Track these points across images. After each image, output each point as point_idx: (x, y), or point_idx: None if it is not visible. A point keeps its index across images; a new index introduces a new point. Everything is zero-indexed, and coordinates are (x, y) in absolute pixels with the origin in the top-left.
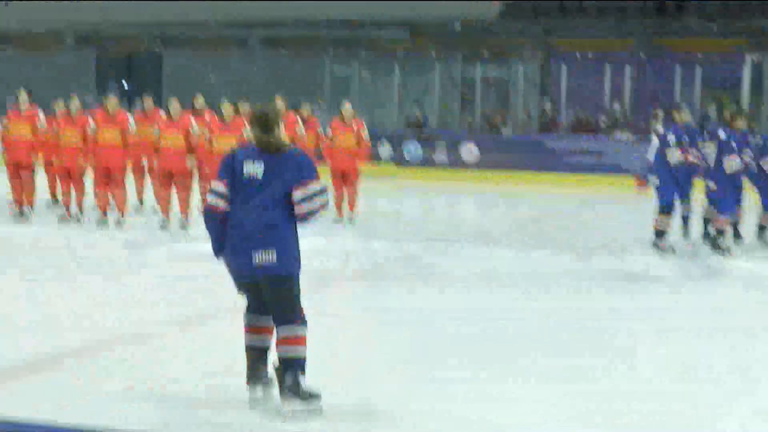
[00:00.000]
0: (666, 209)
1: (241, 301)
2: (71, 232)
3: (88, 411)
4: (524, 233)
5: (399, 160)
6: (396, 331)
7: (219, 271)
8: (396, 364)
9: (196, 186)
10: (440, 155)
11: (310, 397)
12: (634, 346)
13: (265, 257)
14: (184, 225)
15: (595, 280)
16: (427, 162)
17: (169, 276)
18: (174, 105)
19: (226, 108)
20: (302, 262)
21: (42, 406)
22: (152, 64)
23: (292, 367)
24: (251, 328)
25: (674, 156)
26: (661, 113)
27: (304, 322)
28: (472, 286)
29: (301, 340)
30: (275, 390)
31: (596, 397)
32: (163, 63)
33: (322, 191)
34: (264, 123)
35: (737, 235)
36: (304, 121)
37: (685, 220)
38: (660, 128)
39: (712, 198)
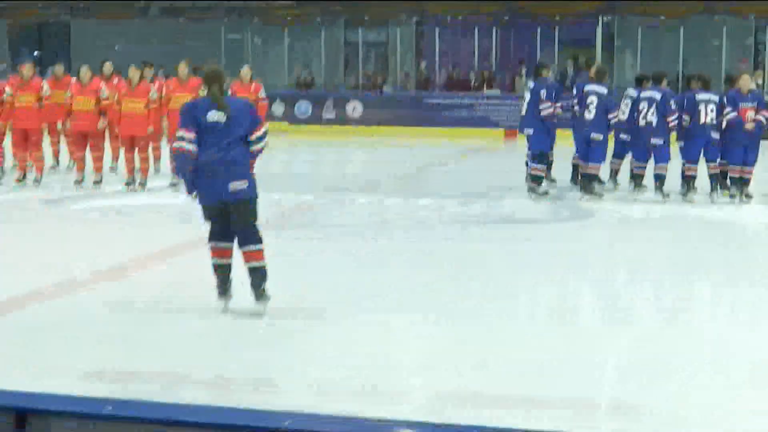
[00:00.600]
0: (541, 158)
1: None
2: None
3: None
4: (409, 183)
5: (291, 118)
6: (301, 275)
7: (133, 223)
8: (306, 305)
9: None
10: (328, 113)
11: (269, 297)
12: (514, 286)
13: (239, 185)
14: (97, 182)
15: (476, 224)
16: (316, 119)
17: (88, 229)
18: (84, 71)
19: (133, 73)
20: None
21: None
22: (61, 32)
23: (262, 274)
24: (217, 251)
25: (546, 109)
26: (524, 71)
27: (262, 241)
28: (365, 233)
29: (262, 254)
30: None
31: (482, 337)
32: (71, 32)
33: (266, 134)
34: (221, 80)
35: (600, 180)
36: None
37: (549, 166)
38: (530, 84)
39: (588, 147)
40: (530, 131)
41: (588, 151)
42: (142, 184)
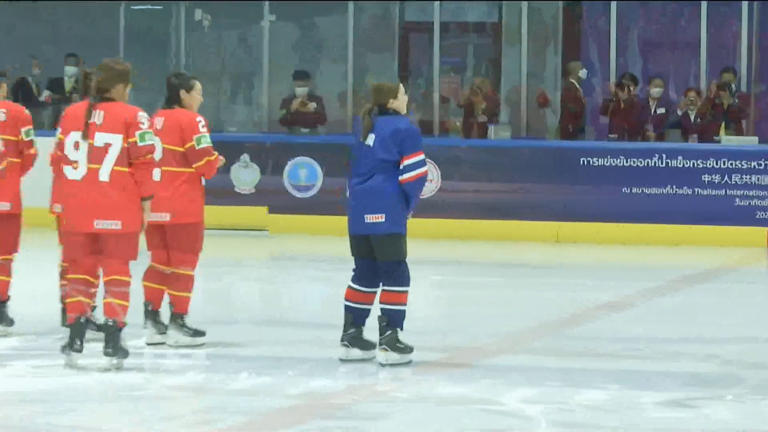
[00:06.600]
0: None
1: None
2: None
3: None
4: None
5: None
6: None
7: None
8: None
9: None
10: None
11: (404, 349)
12: None
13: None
14: None
15: None
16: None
17: None
18: None
19: None
20: None
21: None
22: None
23: (393, 320)
24: (354, 294)
25: None
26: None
27: (406, 282)
28: None
29: (401, 297)
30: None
31: None
32: None
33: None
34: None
35: None
36: None
37: None
38: None
39: None
40: None
41: None
42: None
